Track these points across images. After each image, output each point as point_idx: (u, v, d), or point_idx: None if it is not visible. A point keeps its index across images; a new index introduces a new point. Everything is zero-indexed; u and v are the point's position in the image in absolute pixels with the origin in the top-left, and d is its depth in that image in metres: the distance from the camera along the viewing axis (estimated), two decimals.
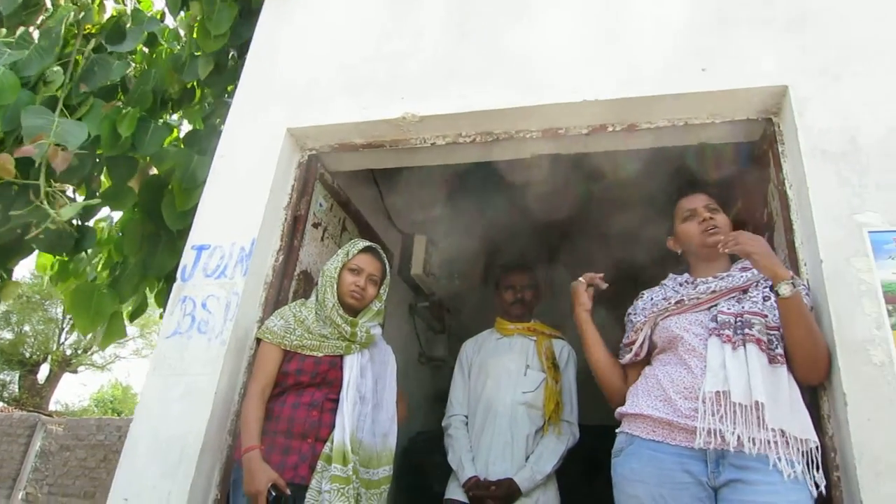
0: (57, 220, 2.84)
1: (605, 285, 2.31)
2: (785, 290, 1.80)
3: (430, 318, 4.68)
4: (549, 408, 2.80)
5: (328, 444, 2.21)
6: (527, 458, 2.73)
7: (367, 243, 2.58)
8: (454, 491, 2.77)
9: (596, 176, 3.75)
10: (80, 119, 3.22)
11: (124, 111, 3.22)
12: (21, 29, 3.45)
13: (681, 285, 2.14)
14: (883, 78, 2.17)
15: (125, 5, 4.00)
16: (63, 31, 3.41)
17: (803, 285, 1.97)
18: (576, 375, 2.97)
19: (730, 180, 2.86)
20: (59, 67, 3.33)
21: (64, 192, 3.09)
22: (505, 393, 2.85)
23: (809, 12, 2.36)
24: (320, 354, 2.34)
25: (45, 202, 2.87)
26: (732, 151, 2.67)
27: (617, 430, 2.01)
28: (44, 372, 19.20)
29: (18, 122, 2.94)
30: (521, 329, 3.04)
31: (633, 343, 2.14)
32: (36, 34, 3.56)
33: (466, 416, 2.95)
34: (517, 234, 4.59)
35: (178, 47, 3.97)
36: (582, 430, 2.85)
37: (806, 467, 1.70)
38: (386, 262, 2.60)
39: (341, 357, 2.37)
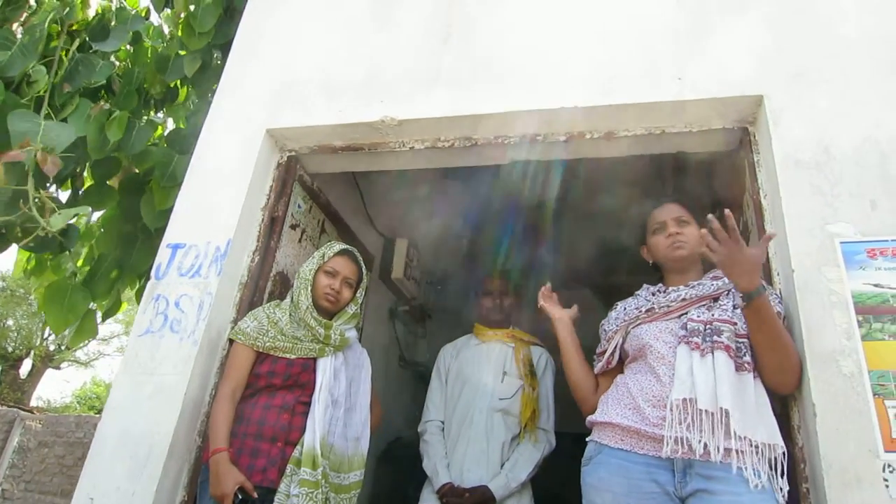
0: (47, 228, 2.82)
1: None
2: (746, 299, 1.81)
3: (411, 323, 4.67)
4: (526, 415, 2.79)
5: (298, 447, 2.19)
6: (502, 465, 2.72)
7: (344, 246, 2.57)
8: (428, 497, 2.74)
9: (580, 181, 3.76)
10: (65, 119, 3.20)
11: (113, 115, 3.20)
12: (3, 27, 3.40)
13: (653, 294, 2.14)
14: (857, 88, 2.18)
15: (110, 2, 3.97)
16: (46, 28, 3.38)
17: (774, 294, 1.98)
18: (553, 383, 2.97)
19: (708, 189, 2.87)
20: (42, 66, 3.30)
21: (52, 197, 3.07)
22: (481, 399, 2.84)
23: (785, 22, 2.38)
24: (293, 357, 2.32)
25: (33, 209, 2.85)
26: (711, 160, 2.68)
27: (587, 439, 2.01)
28: (26, 367, 19.04)
29: (3, 127, 2.92)
30: (500, 335, 3.03)
31: (604, 352, 2.15)
32: (20, 32, 3.53)
33: (443, 422, 2.94)
34: (499, 239, 4.58)
35: (163, 45, 3.95)
36: (561, 437, 2.84)
37: (773, 474, 1.70)
38: (362, 265, 2.59)
39: (314, 360, 2.35)
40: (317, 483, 2.12)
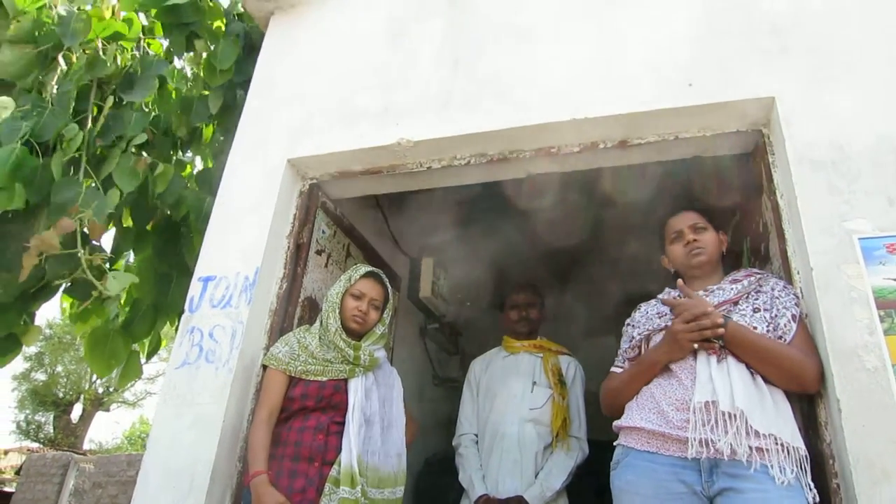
0: (105, 292, 2.95)
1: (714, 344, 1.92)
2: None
3: (443, 340, 4.70)
4: (557, 424, 2.81)
5: (335, 466, 2.24)
6: (536, 474, 2.74)
7: (369, 269, 2.63)
8: None
9: (605, 197, 3.78)
10: (109, 175, 3.29)
11: (157, 170, 3.32)
12: (33, 94, 3.51)
13: (674, 300, 2.16)
14: (869, 86, 2.18)
15: (135, 52, 4.09)
16: (75, 86, 3.49)
17: (793, 294, 2.00)
18: (583, 391, 2.98)
19: (728, 193, 2.87)
20: (74, 124, 3.37)
21: (102, 257, 3.20)
22: (513, 411, 2.88)
23: (794, 23, 2.39)
24: (324, 379, 2.38)
25: (88, 273, 2.97)
26: (727, 163, 2.69)
27: (614, 444, 2.03)
28: (77, 411, 19.49)
29: (43, 193, 3.06)
30: (528, 346, 3.08)
31: (635, 360, 2.16)
32: (54, 90, 3.65)
33: (476, 435, 2.97)
34: (525, 253, 4.62)
35: (186, 87, 4.07)
36: (595, 445, 2.85)
37: (801, 473, 1.71)
38: (388, 286, 2.64)
39: (346, 381, 2.41)
40: (356, 501, 2.16)
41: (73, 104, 3.42)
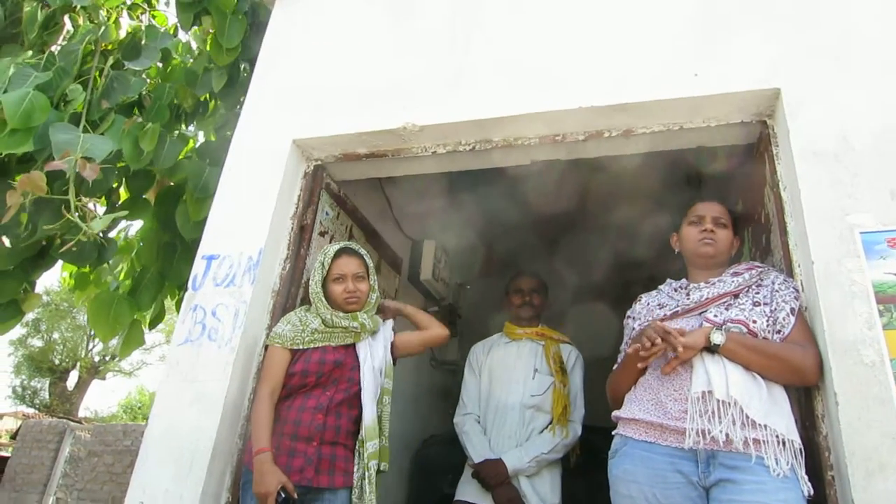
0: (88, 232, 2.93)
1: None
2: (717, 339, 1.85)
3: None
4: (558, 411, 2.85)
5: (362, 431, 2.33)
6: None
7: (336, 247, 2.57)
8: (464, 492, 2.82)
9: (606, 179, 3.79)
10: (102, 134, 3.31)
11: (146, 127, 3.32)
12: (47, 52, 3.54)
13: (675, 291, 2.18)
14: (875, 79, 2.18)
15: (140, 21, 4.11)
16: (82, 49, 3.51)
17: (793, 287, 2.01)
18: (583, 379, 3.01)
19: (730, 182, 2.88)
20: (78, 85, 3.42)
21: (88, 206, 3.18)
22: (514, 396, 2.91)
23: (800, 15, 2.38)
24: (334, 344, 2.40)
25: (75, 216, 2.97)
26: (732, 153, 2.69)
27: (613, 433, 2.05)
28: (73, 379, 19.61)
29: (47, 141, 3.01)
30: (530, 333, 3.10)
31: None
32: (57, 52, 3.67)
33: (479, 416, 2.99)
34: (527, 238, 4.64)
35: (192, 61, 4.07)
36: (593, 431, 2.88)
37: (797, 464, 1.73)
38: (363, 252, 2.60)
39: (346, 350, 2.42)
40: (376, 453, 2.33)
41: (77, 67, 3.42)
